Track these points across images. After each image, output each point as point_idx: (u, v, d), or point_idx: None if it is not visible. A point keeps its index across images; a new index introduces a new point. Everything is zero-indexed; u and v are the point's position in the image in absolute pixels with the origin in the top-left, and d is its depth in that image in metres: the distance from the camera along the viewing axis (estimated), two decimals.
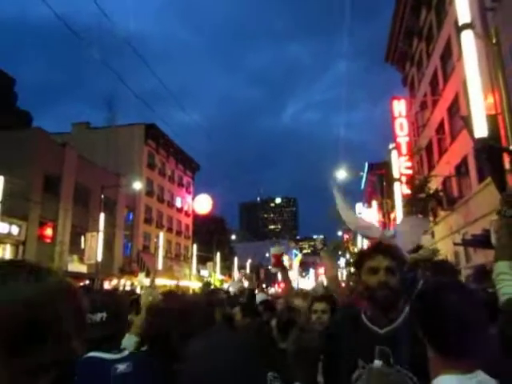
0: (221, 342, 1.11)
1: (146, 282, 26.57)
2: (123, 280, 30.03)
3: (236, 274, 56.96)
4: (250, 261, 59.50)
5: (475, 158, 16.08)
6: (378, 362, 1.85)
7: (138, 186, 32.66)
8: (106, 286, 27.78)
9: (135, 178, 32.97)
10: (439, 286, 1.41)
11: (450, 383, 1.23)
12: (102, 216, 27.09)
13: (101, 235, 27.01)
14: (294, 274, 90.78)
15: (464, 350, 1.24)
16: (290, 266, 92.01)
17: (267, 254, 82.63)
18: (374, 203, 33.75)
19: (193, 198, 45.77)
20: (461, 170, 18.66)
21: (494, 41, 6.42)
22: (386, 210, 25.43)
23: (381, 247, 2.06)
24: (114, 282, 30.02)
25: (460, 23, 7.58)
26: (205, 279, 44.19)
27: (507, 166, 11.51)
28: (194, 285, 41.52)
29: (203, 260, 47.82)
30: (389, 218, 26.31)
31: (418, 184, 17.59)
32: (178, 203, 48.78)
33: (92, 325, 1.93)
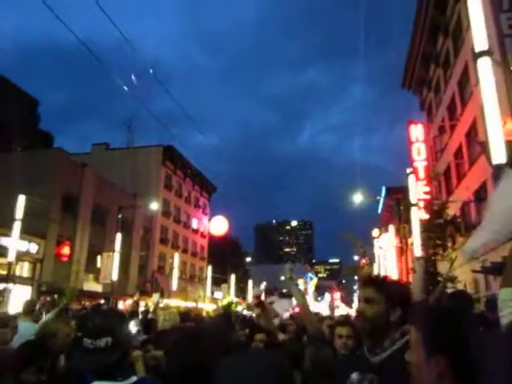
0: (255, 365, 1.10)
1: (160, 302, 26.53)
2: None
3: (250, 296, 56.43)
4: (264, 283, 58.96)
5: (494, 183, 15.86)
6: (355, 376, 1.94)
7: (154, 206, 32.96)
8: (121, 305, 27.82)
9: (152, 198, 33.30)
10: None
11: None
12: (118, 236, 27.34)
13: (117, 255, 27.20)
14: (309, 298, 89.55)
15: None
16: (305, 289, 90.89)
17: (282, 277, 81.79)
18: (391, 228, 33.34)
19: (209, 220, 45.90)
20: (480, 195, 18.40)
21: (511, 67, 6.42)
22: (404, 234, 25.10)
23: (366, 279, 2.15)
24: (129, 301, 30.04)
25: (476, 50, 7.61)
26: (223, 301, 43.81)
27: None
28: (207, 307, 41.25)
29: (217, 282, 47.61)
30: (406, 244, 25.93)
31: (435, 209, 17.38)
32: (194, 224, 48.98)
33: (95, 351, 1.78)
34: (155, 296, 30.11)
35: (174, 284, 37.49)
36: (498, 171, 7.08)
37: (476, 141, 17.22)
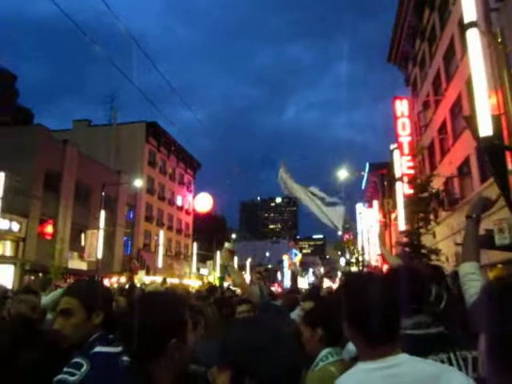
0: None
1: (147, 280, 26.58)
2: (123, 278, 29.99)
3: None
4: (249, 260, 59.46)
5: (478, 158, 16.03)
6: None
7: (138, 183, 32.63)
8: (106, 283, 27.77)
9: (136, 175, 32.93)
10: (363, 278, 1.60)
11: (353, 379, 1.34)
12: (102, 213, 27.06)
13: (101, 233, 26.98)
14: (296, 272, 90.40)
15: (381, 336, 1.34)
16: (290, 265, 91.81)
17: (267, 254, 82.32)
18: (375, 203, 33.69)
19: (193, 197, 45.76)
20: (463, 170, 18.61)
21: (499, 40, 6.39)
22: (388, 209, 25.42)
23: None
24: (114, 279, 30.00)
25: (465, 21, 7.54)
26: (209, 278, 44.18)
27: (510, 166, 11.47)
28: (193, 283, 41.50)
29: (203, 259, 47.82)
30: (390, 219, 26.28)
31: (420, 183, 17.57)
32: (179, 201, 48.78)
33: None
34: (141, 273, 30.14)
35: (160, 261, 37.53)
36: (484, 144, 7.12)
37: (461, 116, 17.31)
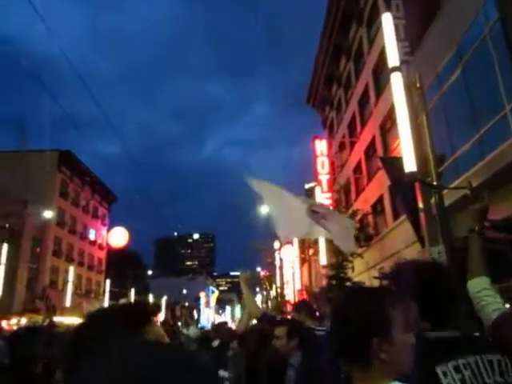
0: None
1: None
2: (24, 318, 27.25)
3: None
4: (165, 297, 57.30)
5: (391, 196, 17.10)
6: None
7: (48, 215, 30.37)
8: (4, 325, 24.95)
9: (45, 207, 30.66)
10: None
11: None
12: (4, 247, 24.60)
13: (1, 268, 24.44)
14: (211, 311, 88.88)
15: None
16: (207, 302, 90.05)
17: (185, 291, 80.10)
18: (296, 239, 34.37)
19: (108, 231, 43.53)
20: (377, 208, 19.71)
21: (417, 85, 6.95)
22: (308, 245, 26.03)
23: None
24: (14, 321, 27.10)
25: (390, 66, 8.17)
26: None
27: (420, 204, 12.36)
28: None
29: (116, 296, 45.15)
30: (308, 254, 26.94)
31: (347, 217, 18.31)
32: (92, 235, 46.11)
33: None
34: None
35: (68, 300, 34.76)
36: (409, 179, 7.55)
37: (375, 157, 18.48)
